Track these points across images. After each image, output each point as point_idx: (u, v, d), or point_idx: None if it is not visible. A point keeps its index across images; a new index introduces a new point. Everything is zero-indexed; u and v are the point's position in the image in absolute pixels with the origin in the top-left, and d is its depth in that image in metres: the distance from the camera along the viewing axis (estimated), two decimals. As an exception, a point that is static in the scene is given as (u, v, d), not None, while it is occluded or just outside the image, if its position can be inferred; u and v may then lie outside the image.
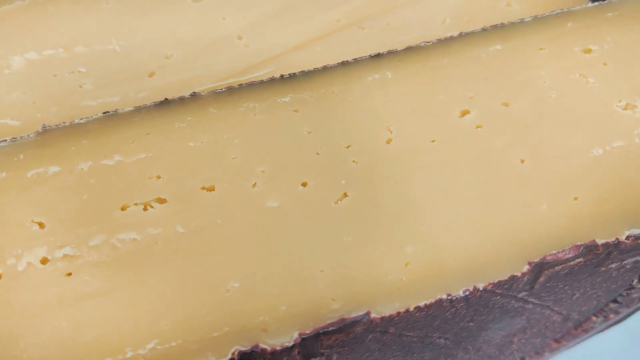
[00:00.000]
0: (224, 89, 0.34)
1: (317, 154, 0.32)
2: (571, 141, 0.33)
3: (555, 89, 0.35)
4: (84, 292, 0.28)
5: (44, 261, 0.29)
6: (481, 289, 0.29)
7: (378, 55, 0.35)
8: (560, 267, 0.30)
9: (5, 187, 0.30)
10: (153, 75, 0.38)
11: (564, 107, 0.34)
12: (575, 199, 0.31)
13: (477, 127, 0.33)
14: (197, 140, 0.32)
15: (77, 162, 0.31)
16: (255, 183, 0.31)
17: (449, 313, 0.30)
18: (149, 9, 0.41)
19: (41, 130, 0.32)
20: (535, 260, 0.29)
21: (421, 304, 0.28)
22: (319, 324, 0.28)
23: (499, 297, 0.30)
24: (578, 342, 0.40)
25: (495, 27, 0.37)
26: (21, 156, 0.31)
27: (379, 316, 0.28)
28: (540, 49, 0.36)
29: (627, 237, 0.30)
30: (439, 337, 0.33)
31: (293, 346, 0.27)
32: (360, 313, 0.28)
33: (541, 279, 0.30)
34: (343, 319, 0.28)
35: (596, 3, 0.38)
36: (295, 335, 0.28)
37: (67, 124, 0.32)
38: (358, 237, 0.30)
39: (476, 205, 0.31)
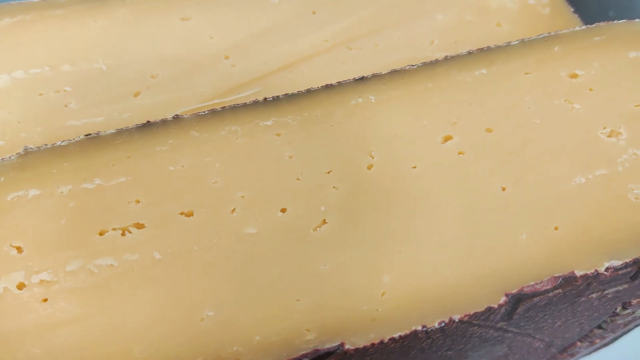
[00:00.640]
0: (206, 112, 0.34)
1: (298, 179, 0.32)
2: (554, 169, 0.33)
3: (540, 114, 0.34)
4: (59, 318, 0.28)
5: (21, 286, 0.29)
6: (457, 320, 0.28)
7: (362, 79, 0.35)
8: (538, 298, 0.30)
9: (-16, 211, 0.30)
10: (138, 95, 0.38)
11: (548, 133, 0.34)
12: (556, 228, 0.31)
13: (460, 153, 0.33)
14: (178, 164, 0.32)
15: (58, 185, 0.31)
16: (235, 209, 0.31)
17: (425, 343, 0.30)
18: (137, 27, 0.41)
19: (23, 152, 0.32)
20: (513, 292, 0.29)
21: (396, 335, 0.28)
22: (292, 355, 0.28)
23: (476, 327, 0.30)
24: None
25: (481, 51, 0.37)
26: (2, 179, 0.31)
27: (353, 347, 0.28)
28: (526, 73, 0.36)
29: (607, 269, 0.30)
30: (418, 365, 0.33)
31: (266, 376, 0.27)
32: (335, 344, 0.28)
33: (519, 309, 0.30)
34: (316, 350, 0.28)
35: (584, 27, 0.38)
36: (269, 365, 0.28)
37: (48, 146, 0.32)
38: (335, 266, 0.30)
39: (455, 234, 0.31)
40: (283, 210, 0.31)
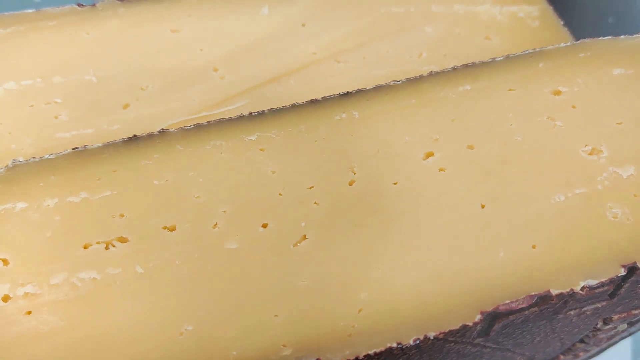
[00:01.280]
0: (192, 126, 0.34)
1: (280, 194, 0.33)
2: (533, 187, 0.33)
3: (522, 132, 0.35)
4: (42, 331, 0.29)
5: (5, 299, 0.30)
6: (432, 337, 0.29)
7: (347, 94, 0.36)
8: (514, 316, 0.30)
9: (-29, 224, 0.31)
10: (127, 107, 0.39)
11: (529, 151, 0.34)
12: (534, 247, 0.32)
13: (440, 170, 0.34)
14: (162, 179, 0.33)
15: (45, 198, 0.32)
16: (216, 223, 0.32)
17: (401, 359, 0.30)
18: (128, 38, 0.41)
19: (11, 165, 0.33)
20: (488, 310, 0.29)
21: (371, 352, 0.29)
22: (267, 371, 0.28)
23: (452, 343, 0.31)
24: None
25: (466, 67, 0.37)
26: (-10, 191, 0.32)
27: (329, 363, 0.28)
28: (510, 89, 0.36)
29: (582, 288, 0.30)
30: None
31: (243, 390, 0.28)
32: (310, 360, 0.28)
33: (496, 326, 0.31)
34: (292, 366, 0.28)
35: (569, 43, 0.38)
36: (245, 380, 0.28)
37: (36, 159, 0.33)
38: (314, 281, 0.30)
39: (433, 251, 0.31)
40: (264, 226, 0.32)
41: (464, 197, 0.33)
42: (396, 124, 0.35)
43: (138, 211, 0.32)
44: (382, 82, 0.40)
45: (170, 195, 0.32)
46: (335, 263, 0.31)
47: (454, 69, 0.37)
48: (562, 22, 0.46)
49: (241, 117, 0.35)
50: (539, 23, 0.46)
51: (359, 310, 0.30)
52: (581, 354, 0.40)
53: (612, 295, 0.32)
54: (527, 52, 0.38)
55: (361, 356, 0.28)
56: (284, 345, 0.29)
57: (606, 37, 0.38)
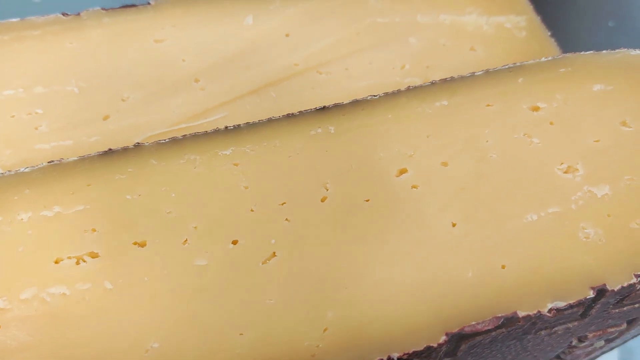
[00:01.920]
0: (167, 140, 0.34)
1: (252, 210, 0.33)
2: (506, 205, 0.33)
3: (497, 148, 0.35)
4: (10, 346, 0.29)
5: (-24, 313, 0.30)
6: (396, 358, 0.29)
7: (324, 109, 0.36)
8: (480, 337, 0.30)
9: (-55, 238, 0.31)
10: (108, 119, 0.39)
11: (504, 168, 0.34)
12: (503, 267, 0.31)
13: (413, 187, 0.33)
14: (135, 193, 0.33)
15: (18, 212, 0.32)
16: (187, 240, 0.32)
17: (366, 379, 0.30)
18: (111, 48, 0.42)
19: (-13, 178, 0.33)
20: (453, 331, 0.29)
21: (334, 373, 0.29)
22: (230, 390, 0.28)
23: (418, 363, 0.31)
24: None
25: (444, 81, 0.37)
26: (-35, 205, 0.32)
27: (291, 383, 0.28)
28: (488, 105, 0.36)
29: (550, 310, 0.30)
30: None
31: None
32: (273, 380, 0.28)
33: (463, 347, 0.30)
34: (255, 385, 0.28)
35: (550, 58, 0.38)
36: (208, 399, 0.28)
37: (12, 173, 0.33)
38: (281, 300, 0.30)
39: (401, 270, 0.31)
40: (234, 242, 0.32)
41: (436, 215, 0.33)
42: (371, 140, 0.35)
43: (110, 226, 0.32)
44: (363, 94, 0.41)
45: (142, 210, 0.32)
46: (303, 281, 0.31)
47: (432, 83, 0.37)
48: (549, 33, 0.45)
49: (217, 131, 0.35)
50: (526, 34, 0.45)
51: (324, 330, 0.30)
52: (560, 368, 0.40)
53: (583, 315, 0.32)
54: (506, 66, 0.37)
55: (324, 376, 0.29)
56: (248, 364, 0.29)
57: (588, 52, 0.38)
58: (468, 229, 0.32)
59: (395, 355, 0.29)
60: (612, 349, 0.43)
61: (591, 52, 0.38)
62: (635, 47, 0.38)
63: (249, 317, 0.30)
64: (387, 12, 0.45)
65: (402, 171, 0.34)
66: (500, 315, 0.30)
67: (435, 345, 0.29)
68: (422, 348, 0.29)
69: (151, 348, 0.29)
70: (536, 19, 0.46)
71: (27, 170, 0.33)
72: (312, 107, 0.37)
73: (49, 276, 0.31)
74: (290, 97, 0.41)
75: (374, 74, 0.42)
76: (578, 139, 0.35)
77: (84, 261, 0.31)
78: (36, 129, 0.38)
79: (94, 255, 0.31)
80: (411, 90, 0.36)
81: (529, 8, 0.46)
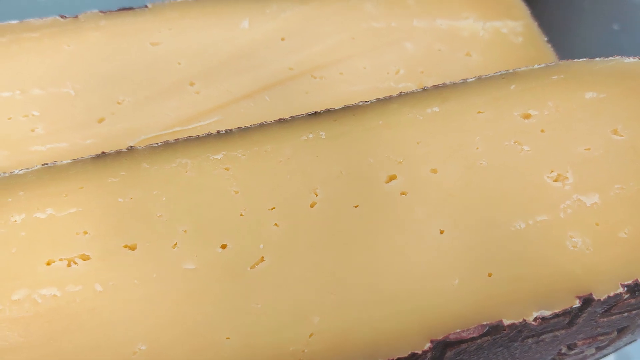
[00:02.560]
0: (159, 144, 0.35)
1: (241, 215, 0.33)
2: (495, 213, 0.33)
3: (487, 156, 0.35)
4: (1, 346, 0.30)
5: (-32, 314, 0.31)
6: (380, 365, 0.29)
7: (315, 114, 0.36)
8: (466, 344, 0.30)
9: (-61, 239, 0.32)
10: (103, 121, 0.39)
11: (493, 176, 0.34)
12: (490, 275, 0.32)
13: (402, 193, 0.34)
14: (127, 196, 0.33)
15: (12, 214, 0.33)
16: (176, 243, 0.32)
17: (351, 384, 0.30)
18: (108, 51, 0.42)
19: (-19, 180, 0.34)
20: (438, 339, 0.30)
21: (318, 378, 0.29)
22: (215, 393, 0.29)
23: (403, 370, 0.31)
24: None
25: (435, 87, 0.37)
26: (-40, 206, 0.33)
27: (276, 388, 0.29)
28: (479, 112, 0.36)
29: (535, 319, 0.30)
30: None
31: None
32: (257, 384, 0.29)
33: (448, 354, 0.31)
34: (239, 389, 0.29)
35: (543, 65, 0.38)
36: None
37: (6, 175, 0.34)
38: (268, 304, 0.31)
39: (388, 276, 0.31)
40: (223, 247, 0.32)
41: (424, 222, 0.33)
42: (362, 146, 0.35)
43: (101, 229, 0.32)
44: (357, 99, 0.41)
45: (133, 213, 0.33)
46: (290, 286, 0.31)
47: (424, 89, 0.37)
48: (546, 39, 0.45)
49: (209, 136, 0.35)
50: (522, 39, 0.45)
51: (310, 335, 0.30)
52: (551, 375, 0.40)
53: (570, 324, 0.32)
54: (499, 73, 0.37)
55: (308, 381, 0.29)
56: (233, 368, 0.29)
57: (581, 60, 0.38)
58: (456, 236, 0.32)
59: (380, 361, 0.29)
60: (605, 355, 0.43)
61: (585, 59, 0.38)
62: (641, 49, 0.38)
63: (235, 321, 0.30)
64: (383, 17, 0.45)
65: (392, 177, 0.34)
66: (485, 323, 0.30)
67: (419, 352, 0.29)
68: (406, 355, 0.29)
69: (139, 350, 0.30)
70: (533, 25, 0.46)
71: (21, 172, 0.34)
72: (304, 112, 0.37)
73: (40, 277, 0.31)
74: (285, 101, 0.41)
75: (368, 79, 0.42)
76: (569, 147, 0.35)
77: (75, 263, 0.32)
78: (32, 131, 0.39)
79: (85, 258, 0.32)
80: (403, 96, 0.37)
81: (526, 13, 0.46)
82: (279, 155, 0.35)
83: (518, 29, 0.46)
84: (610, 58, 0.38)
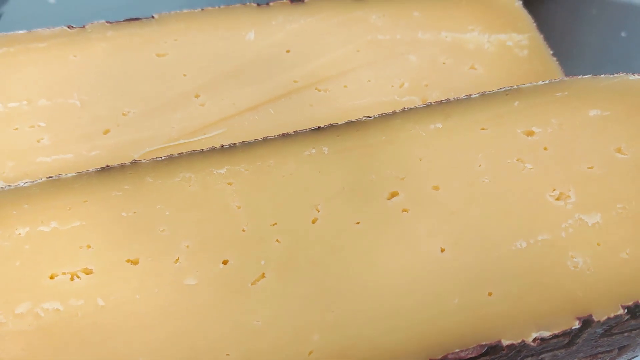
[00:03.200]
0: (163, 157, 0.35)
1: (243, 230, 0.33)
2: (496, 231, 0.33)
3: (489, 173, 0.35)
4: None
5: (-28, 327, 0.31)
6: (378, 384, 0.29)
7: (318, 129, 0.36)
8: (464, 364, 0.30)
9: (-55, 251, 0.32)
10: (108, 133, 0.40)
11: (495, 194, 0.34)
12: (490, 294, 0.32)
13: (404, 210, 0.34)
14: (130, 210, 0.34)
15: (16, 227, 0.33)
16: (178, 258, 0.32)
17: (349, 402, 0.30)
18: (114, 62, 0.42)
19: (-14, 193, 0.34)
20: (437, 358, 0.30)
21: (317, 396, 0.29)
22: (214, 410, 0.29)
23: (402, 388, 0.31)
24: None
25: (439, 103, 0.37)
26: (-35, 218, 0.33)
27: (274, 405, 0.29)
28: (482, 128, 0.36)
29: (534, 340, 0.30)
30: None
31: None
32: (256, 402, 0.29)
33: (447, 373, 0.31)
34: (238, 407, 0.29)
35: (547, 81, 0.38)
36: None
37: (11, 187, 0.34)
38: (268, 321, 0.31)
39: (388, 294, 0.31)
40: (225, 262, 0.32)
41: (425, 240, 0.33)
42: (365, 161, 0.35)
43: (104, 243, 0.33)
44: (361, 113, 0.41)
45: (136, 227, 0.33)
46: (291, 303, 0.31)
47: (427, 105, 0.37)
48: (551, 52, 0.45)
49: (212, 150, 0.35)
50: (528, 52, 0.45)
51: (310, 353, 0.30)
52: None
53: (570, 344, 0.32)
54: (503, 89, 0.37)
55: (307, 400, 0.29)
56: (233, 385, 0.30)
57: (586, 76, 0.38)
58: (456, 254, 0.32)
59: (378, 380, 0.29)
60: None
61: (589, 76, 0.38)
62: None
63: (235, 337, 0.30)
64: (388, 29, 0.45)
65: (394, 194, 0.34)
66: (484, 343, 0.30)
67: (418, 371, 0.29)
68: (405, 374, 0.29)
69: (139, 366, 0.30)
70: (539, 38, 0.46)
71: (26, 185, 0.34)
72: (309, 126, 0.37)
73: (43, 291, 0.32)
74: (289, 114, 0.41)
75: (372, 92, 0.42)
76: (571, 165, 0.35)
77: (78, 277, 0.32)
78: (38, 141, 0.39)
79: (88, 272, 0.32)
80: (406, 112, 0.37)
81: (532, 26, 0.46)
82: (282, 171, 0.35)
83: (524, 42, 0.45)
84: (615, 75, 0.37)
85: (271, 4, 0.45)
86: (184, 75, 0.42)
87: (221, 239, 0.33)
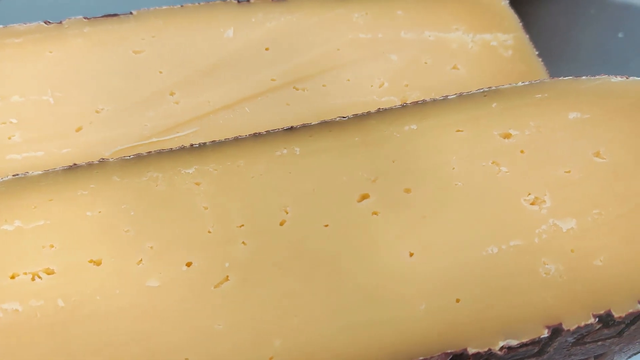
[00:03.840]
0: (131, 156, 0.34)
1: (209, 232, 0.33)
2: (467, 236, 0.32)
3: (463, 177, 0.34)
4: (-40, 361, 0.30)
5: None
6: (339, 392, 0.28)
7: (291, 129, 0.35)
8: (429, 372, 0.30)
9: None
10: (80, 130, 0.39)
11: (468, 198, 0.33)
12: (458, 301, 0.31)
13: (374, 213, 0.33)
14: (96, 210, 0.33)
15: (-20, 225, 0.33)
16: (142, 259, 0.32)
17: (310, 410, 0.30)
18: (90, 58, 0.42)
19: (-51, 191, 0.33)
20: (400, 366, 0.29)
21: (275, 404, 0.28)
22: (170, 416, 0.28)
23: (366, 396, 0.30)
24: None
25: (415, 104, 0.36)
26: None
27: (232, 412, 0.28)
28: (458, 130, 0.35)
29: (501, 349, 0.29)
30: None
31: None
32: (213, 408, 0.28)
33: (412, 381, 0.30)
34: (195, 413, 0.28)
35: (527, 82, 0.37)
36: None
37: (-23, 185, 0.34)
38: (229, 325, 0.30)
39: (353, 299, 0.31)
40: (188, 264, 0.32)
41: (393, 244, 0.32)
42: (336, 163, 0.34)
43: (68, 243, 0.32)
44: (338, 113, 0.40)
45: (101, 227, 0.33)
46: (254, 307, 0.31)
47: (403, 106, 0.36)
48: (536, 52, 0.44)
49: (182, 149, 0.35)
50: (512, 53, 0.44)
51: (270, 358, 0.30)
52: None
53: (540, 352, 0.31)
54: (481, 90, 0.36)
55: (265, 407, 0.28)
56: (190, 391, 0.29)
57: (567, 78, 0.37)
58: (425, 259, 0.32)
59: (339, 388, 0.29)
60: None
61: (570, 77, 0.37)
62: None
63: (195, 342, 0.30)
64: (370, 28, 0.44)
65: (364, 196, 0.33)
66: (449, 351, 0.29)
67: (380, 379, 0.29)
68: (367, 382, 0.29)
69: (96, 369, 0.29)
70: (524, 38, 0.45)
71: (-8, 182, 0.34)
72: (284, 126, 0.36)
73: (4, 291, 0.31)
74: (265, 113, 0.40)
75: (351, 92, 0.41)
76: (548, 169, 0.34)
77: (40, 277, 0.31)
78: (9, 138, 0.39)
79: (49, 272, 0.32)
80: (381, 112, 0.36)
81: (518, 26, 0.45)
82: (252, 171, 0.34)
83: (508, 42, 0.45)
84: (597, 77, 0.37)
85: (252, 0, 0.44)
86: (160, 72, 0.41)
87: (186, 240, 0.32)
